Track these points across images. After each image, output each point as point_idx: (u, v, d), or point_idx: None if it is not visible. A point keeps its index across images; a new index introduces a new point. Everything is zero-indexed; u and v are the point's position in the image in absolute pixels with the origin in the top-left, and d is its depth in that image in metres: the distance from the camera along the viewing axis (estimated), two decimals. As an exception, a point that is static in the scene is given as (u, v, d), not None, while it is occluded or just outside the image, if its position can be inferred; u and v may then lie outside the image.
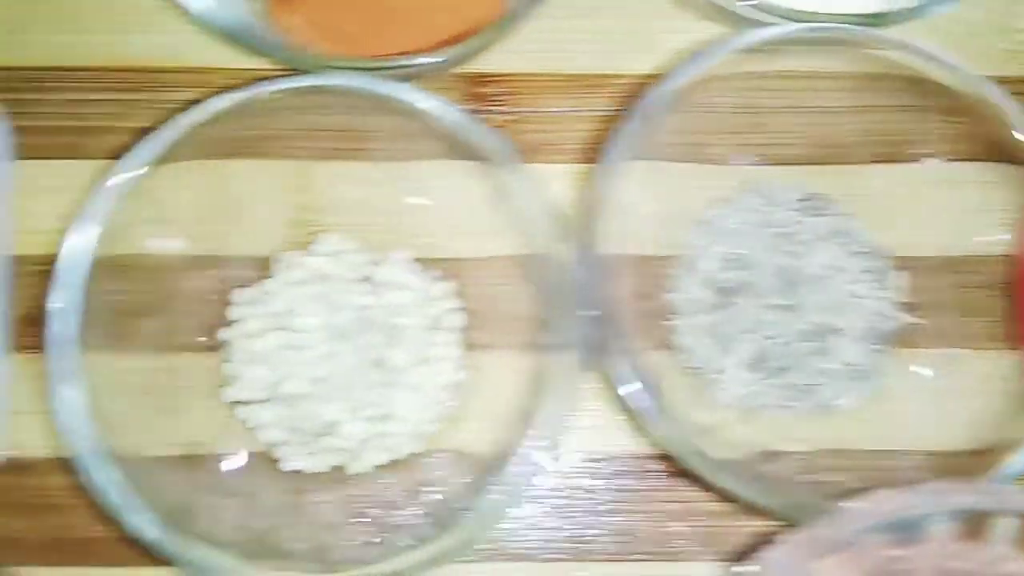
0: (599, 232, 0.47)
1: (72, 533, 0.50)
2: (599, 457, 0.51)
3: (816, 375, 0.51)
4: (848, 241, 0.52)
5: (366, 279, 0.51)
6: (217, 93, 0.53)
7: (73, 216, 0.52)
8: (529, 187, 0.46)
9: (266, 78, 0.53)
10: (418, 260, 0.52)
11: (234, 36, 0.49)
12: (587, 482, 0.51)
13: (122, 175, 0.44)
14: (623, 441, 0.51)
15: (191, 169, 0.48)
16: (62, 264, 0.43)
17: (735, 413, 0.51)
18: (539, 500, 0.49)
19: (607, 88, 0.56)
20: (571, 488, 0.51)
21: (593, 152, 0.55)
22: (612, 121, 0.55)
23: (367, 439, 0.49)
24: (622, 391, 0.45)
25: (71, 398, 0.42)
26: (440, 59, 0.47)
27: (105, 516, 0.48)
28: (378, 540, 0.47)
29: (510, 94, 0.56)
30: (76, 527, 0.50)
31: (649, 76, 0.55)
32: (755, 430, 0.50)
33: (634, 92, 0.55)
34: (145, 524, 0.42)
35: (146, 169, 0.44)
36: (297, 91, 0.45)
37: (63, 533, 0.50)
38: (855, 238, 0.53)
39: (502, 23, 0.47)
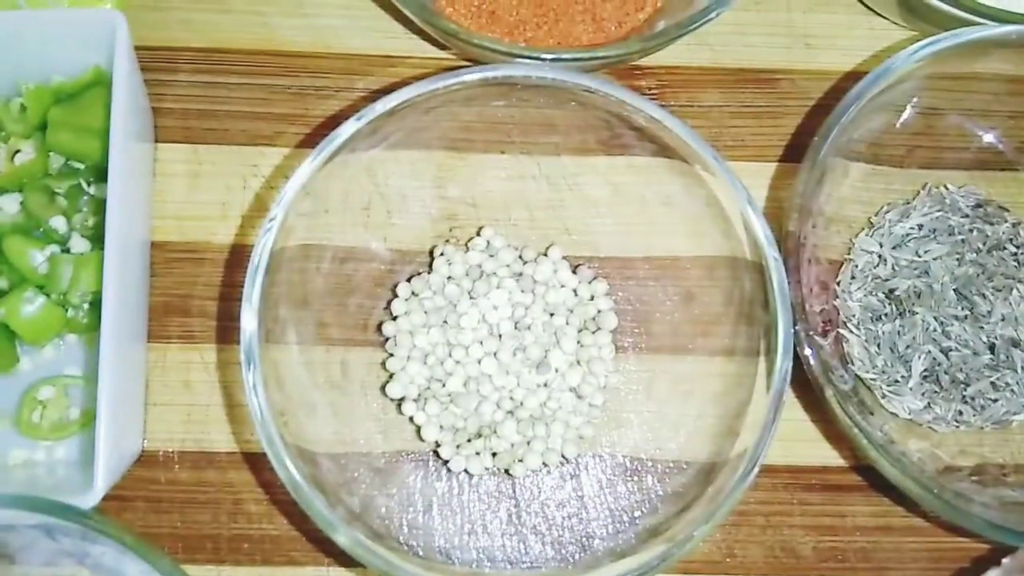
0: (788, 234, 0.44)
1: (201, 530, 0.48)
2: (800, 468, 0.49)
3: (992, 389, 0.48)
4: (1021, 252, 0.50)
5: (523, 276, 0.49)
6: (365, 81, 0.52)
7: (219, 203, 0.51)
8: (721, 188, 0.43)
9: (413, 67, 0.52)
10: (572, 258, 0.50)
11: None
12: (784, 495, 0.49)
13: (305, 169, 0.41)
14: (820, 452, 0.49)
15: (348, 162, 0.45)
16: (252, 257, 0.41)
17: (907, 426, 0.49)
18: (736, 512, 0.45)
19: (766, 84, 0.54)
20: (767, 500, 0.49)
21: (753, 149, 0.53)
22: (773, 118, 0.53)
23: (527, 441, 0.47)
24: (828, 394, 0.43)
25: (259, 392, 0.39)
26: (629, 50, 0.45)
27: (242, 513, 0.47)
28: (548, 550, 0.45)
29: (665, 87, 0.54)
30: (207, 523, 0.48)
31: (816, 74, 0.53)
32: (930, 444, 0.48)
33: (796, 90, 0.53)
34: (335, 522, 0.39)
35: (323, 161, 0.42)
36: (479, 83, 0.43)
37: (196, 530, 0.48)
38: (1029, 248, 0.50)
39: (694, 17, 0.45)
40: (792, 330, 0.42)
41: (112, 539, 0.38)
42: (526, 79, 0.42)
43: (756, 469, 0.40)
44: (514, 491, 0.47)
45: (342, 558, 0.47)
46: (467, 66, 0.45)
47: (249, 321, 0.40)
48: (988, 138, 0.51)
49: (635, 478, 0.47)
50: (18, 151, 0.48)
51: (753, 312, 0.44)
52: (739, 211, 0.43)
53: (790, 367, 0.41)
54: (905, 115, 0.49)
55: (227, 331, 0.49)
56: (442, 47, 0.52)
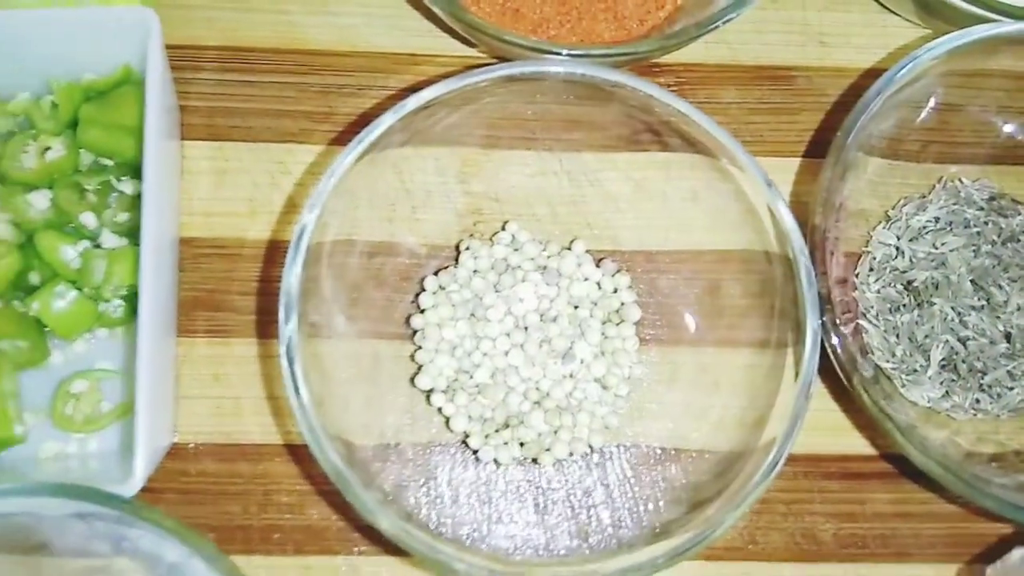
0: (814, 227, 0.45)
1: (232, 521, 0.48)
2: (820, 456, 0.50)
3: (1009, 378, 0.49)
4: (1035, 243, 0.51)
5: (547, 269, 0.50)
6: (390, 79, 0.53)
7: (247, 200, 0.51)
8: (748, 182, 0.44)
9: (440, 65, 0.53)
10: (596, 251, 0.51)
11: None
12: (805, 483, 0.49)
13: (342, 164, 0.42)
14: (840, 440, 0.50)
15: (376, 160, 0.46)
16: (289, 251, 0.41)
17: (926, 414, 0.49)
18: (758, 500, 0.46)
19: (782, 81, 0.54)
20: (788, 488, 0.49)
21: (771, 145, 0.54)
22: (790, 114, 0.54)
23: (554, 431, 0.48)
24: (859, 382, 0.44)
25: (301, 383, 0.40)
26: (650, 48, 0.46)
27: (273, 504, 0.48)
28: (576, 538, 0.46)
29: (684, 84, 0.55)
30: (237, 515, 0.48)
31: (831, 71, 0.54)
32: (949, 431, 0.49)
33: (812, 87, 0.54)
34: (378, 508, 0.40)
35: (358, 156, 0.42)
36: (514, 78, 0.44)
37: (227, 521, 0.48)
38: (1042, 240, 0.51)
39: (714, 16, 0.46)
40: (820, 322, 0.43)
41: (154, 525, 0.38)
42: (557, 75, 0.43)
43: (784, 458, 0.41)
44: (541, 480, 0.48)
45: (374, 545, 0.47)
46: (493, 63, 0.45)
47: (289, 315, 0.41)
48: (1007, 130, 0.52)
49: (660, 467, 0.48)
50: (48, 148, 0.49)
51: (779, 304, 0.45)
52: (765, 204, 0.44)
53: (818, 358, 0.42)
54: (924, 110, 0.50)
55: (255, 325, 0.50)
56: (469, 44, 0.53)
